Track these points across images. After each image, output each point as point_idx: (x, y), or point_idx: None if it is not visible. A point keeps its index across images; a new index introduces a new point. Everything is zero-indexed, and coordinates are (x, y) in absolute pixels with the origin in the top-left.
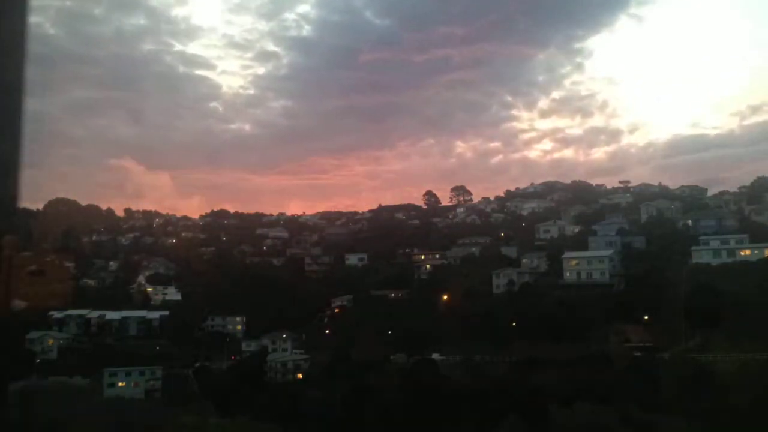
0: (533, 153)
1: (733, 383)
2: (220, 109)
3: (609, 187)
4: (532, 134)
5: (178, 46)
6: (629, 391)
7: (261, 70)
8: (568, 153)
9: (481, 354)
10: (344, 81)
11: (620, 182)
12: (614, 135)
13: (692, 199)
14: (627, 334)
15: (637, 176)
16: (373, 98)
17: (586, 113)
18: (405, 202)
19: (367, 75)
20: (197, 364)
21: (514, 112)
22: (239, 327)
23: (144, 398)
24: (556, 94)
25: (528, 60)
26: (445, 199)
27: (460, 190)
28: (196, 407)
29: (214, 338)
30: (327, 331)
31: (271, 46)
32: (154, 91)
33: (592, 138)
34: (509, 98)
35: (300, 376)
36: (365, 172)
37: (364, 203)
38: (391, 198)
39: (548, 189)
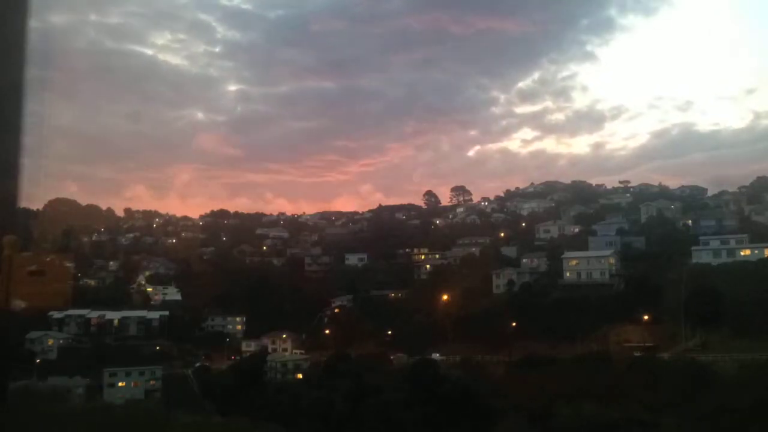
0: (513, 143)
1: (733, 383)
2: (165, 91)
3: (609, 187)
4: (512, 121)
5: (94, 16)
6: (629, 391)
7: (197, 45)
8: (549, 143)
9: (481, 354)
10: (297, 61)
11: (620, 182)
12: (597, 122)
13: (692, 199)
14: (627, 334)
15: (636, 175)
16: (332, 80)
17: (567, 98)
18: (380, 198)
19: (322, 53)
20: (197, 364)
21: (491, 95)
22: (239, 327)
23: (144, 398)
24: (533, 77)
25: (498, 34)
26: (445, 199)
27: (459, 190)
28: (196, 407)
29: (214, 338)
30: (327, 331)
31: (201, 15)
32: (82, 69)
33: (574, 126)
34: (484, 80)
35: (300, 376)
36: (332, 166)
37: (336, 202)
38: (364, 195)
39: (548, 189)
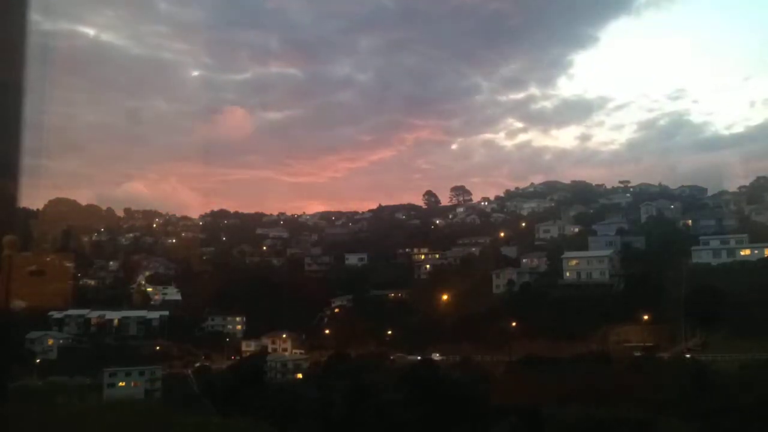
0: (498, 136)
1: (733, 383)
2: (120, 78)
3: (609, 186)
4: (496, 110)
5: None
6: (629, 391)
7: (141, 23)
8: (535, 134)
9: (481, 354)
10: (257, 43)
11: (620, 182)
12: (586, 112)
13: (692, 199)
14: (627, 334)
15: (636, 176)
16: (298, 66)
17: (554, 85)
18: (360, 198)
19: (283, 34)
20: (197, 364)
21: (472, 81)
22: (239, 327)
23: (144, 398)
24: (515, 61)
25: (474, 12)
26: (444, 199)
27: (459, 190)
28: (196, 407)
29: (214, 338)
30: (327, 331)
31: None
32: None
33: (561, 117)
34: (462, 65)
35: (300, 376)
36: (307, 162)
37: (314, 202)
38: (340, 196)
39: (548, 189)
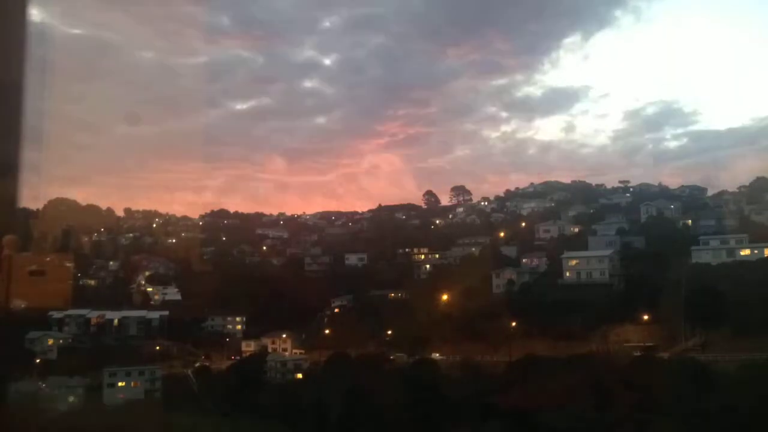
0: (480, 127)
1: (733, 383)
2: (62, 59)
3: (609, 186)
4: (476, 98)
5: None
6: (629, 391)
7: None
8: (519, 124)
9: (480, 354)
10: (206, 21)
11: (620, 182)
12: (570, 99)
13: (692, 199)
14: (627, 334)
15: (636, 175)
16: (255, 47)
17: (540, 72)
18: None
19: (233, 11)
20: (197, 364)
21: (448, 65)
22: (239, 327)
23: (144, 398)
24: (495, 43)
25: None
26: (444, 199)
27: (459, 190)
28: (196, 407)
29: (214, 338)
30: (327, 331)
31: None
32: None
33: (547, 107)
34: (434, 45)
35: (300, 375)
36: (280, 156)
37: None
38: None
39: (548, 189)
